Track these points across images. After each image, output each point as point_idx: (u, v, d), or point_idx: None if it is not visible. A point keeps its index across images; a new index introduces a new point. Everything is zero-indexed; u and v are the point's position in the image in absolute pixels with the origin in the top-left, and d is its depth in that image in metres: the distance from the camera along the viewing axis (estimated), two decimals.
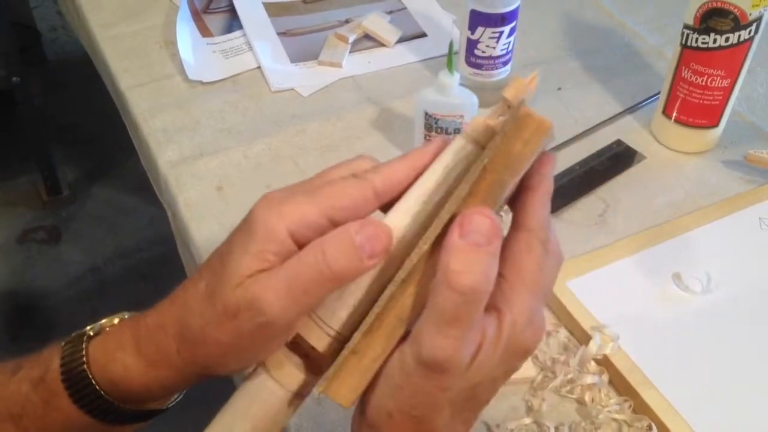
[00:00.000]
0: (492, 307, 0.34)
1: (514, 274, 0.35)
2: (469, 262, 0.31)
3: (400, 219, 0.36)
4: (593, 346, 0.59)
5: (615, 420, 0.57)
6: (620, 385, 0.59)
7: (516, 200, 0.36)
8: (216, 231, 0.72)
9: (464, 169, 0.36)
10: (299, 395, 0.39)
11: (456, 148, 0.37)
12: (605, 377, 0.59)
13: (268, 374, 0.38)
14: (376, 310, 0.35)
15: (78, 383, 0.41)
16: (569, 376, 0.59)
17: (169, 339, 0.39)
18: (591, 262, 0.66)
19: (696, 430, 0.55)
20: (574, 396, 0.58)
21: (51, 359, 0.42)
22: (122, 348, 0.40)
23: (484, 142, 0.36)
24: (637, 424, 0.56)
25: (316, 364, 0.39)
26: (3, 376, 0.43)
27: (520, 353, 0.35)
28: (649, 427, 0.56)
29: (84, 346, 0.41)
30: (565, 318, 0.63)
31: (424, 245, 0.34)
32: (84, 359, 0.41)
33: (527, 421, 0.57)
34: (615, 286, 0.65)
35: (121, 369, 0.40)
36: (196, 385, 0.42)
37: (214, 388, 0.41)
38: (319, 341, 0.37)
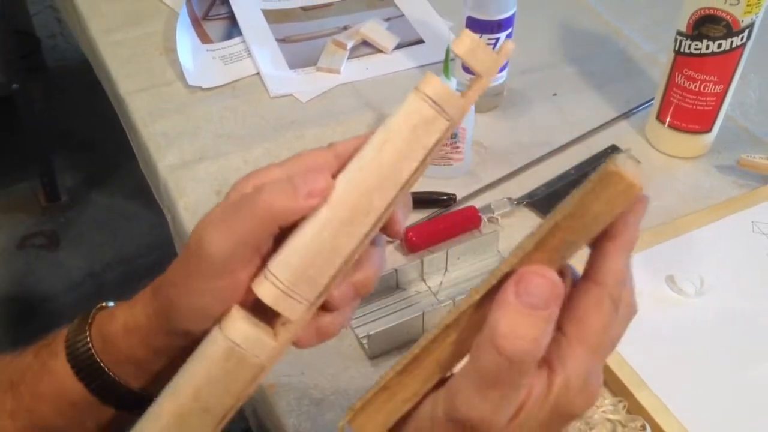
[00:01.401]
0: (545, 362, 0.31)
1: (576, 330, 0.31)
2: (520, 325, 0.28)
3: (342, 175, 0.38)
4: None
5: (609, 420, 0.57)
6: (614, 385, 0.59)
7: (593, 246, 0.32)
8: None
9: (423, 131, 0.37)
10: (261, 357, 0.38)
11: (409, 111, 0.38)
12: None
13: (220, 331, 0.38)
14: (415, 350, 0.33)
15: (76, 345, 0.44)
16: None
17: (147, 303, 0.44)
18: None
19: (689, 430, 0.55)
20: None
21: (63, 331, 0.46)
22: (114, 315, 0.46)
23: (442, 103, 0.37)
24: (631, 424, 0.57)
25: (273, 320, 0.38)
26: (12, 354, 0.46)
27: (566, 417, 0.32)
28: (643, 427, 0.56)
29: (93, 313, 0.47)
30: None
31: (476, 294, 0.31)
32: (89, 323, 0.46)
33: None
34: None
35: (113, 326, 0.44)
36: None
37: None
38: (267, 293, 0.37)
